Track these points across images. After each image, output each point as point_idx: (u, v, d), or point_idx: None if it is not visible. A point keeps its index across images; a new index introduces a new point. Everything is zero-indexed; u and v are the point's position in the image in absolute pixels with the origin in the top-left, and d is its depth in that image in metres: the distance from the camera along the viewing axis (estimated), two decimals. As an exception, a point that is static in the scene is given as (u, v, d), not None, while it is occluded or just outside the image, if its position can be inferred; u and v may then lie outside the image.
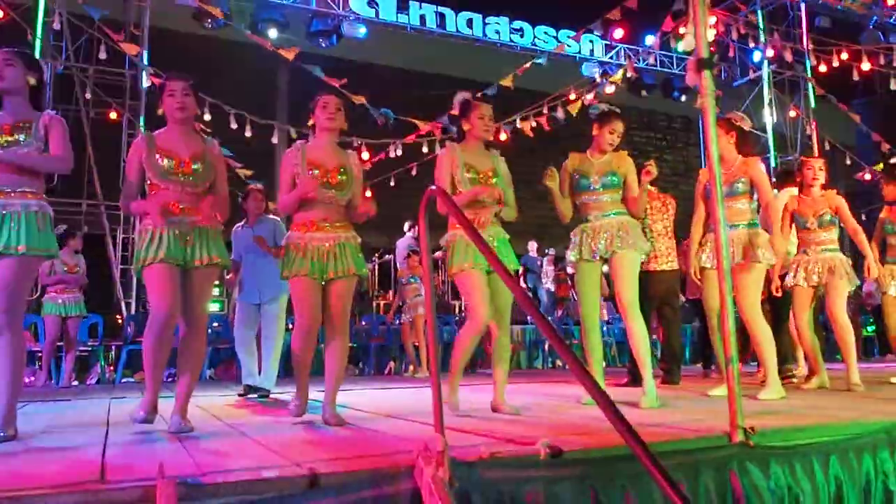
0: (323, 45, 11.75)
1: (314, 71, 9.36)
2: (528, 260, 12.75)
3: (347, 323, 3.61)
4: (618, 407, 1.50)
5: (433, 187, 2.38)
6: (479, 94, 9.77)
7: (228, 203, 3.49)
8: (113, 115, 10.36)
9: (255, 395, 5.32)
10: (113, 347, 9.34)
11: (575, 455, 2.34)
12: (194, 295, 3.31)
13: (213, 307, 10.89)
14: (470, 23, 13.30)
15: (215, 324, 10.11)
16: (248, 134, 9.79)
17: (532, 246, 12.82)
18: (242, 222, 5.72)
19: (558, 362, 11.36)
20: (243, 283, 5.52)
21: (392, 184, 11.27)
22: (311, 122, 3.64)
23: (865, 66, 11.33)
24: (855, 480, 2.61)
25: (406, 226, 10.80)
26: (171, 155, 3.29)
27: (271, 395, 5.35)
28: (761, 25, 13.18)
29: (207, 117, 8.86)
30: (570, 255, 4.23)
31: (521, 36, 13.72)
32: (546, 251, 12.96)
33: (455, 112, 3.96)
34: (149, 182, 3.31)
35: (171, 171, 3.27)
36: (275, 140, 10.29)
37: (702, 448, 2.48)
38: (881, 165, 12.44)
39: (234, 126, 9.66)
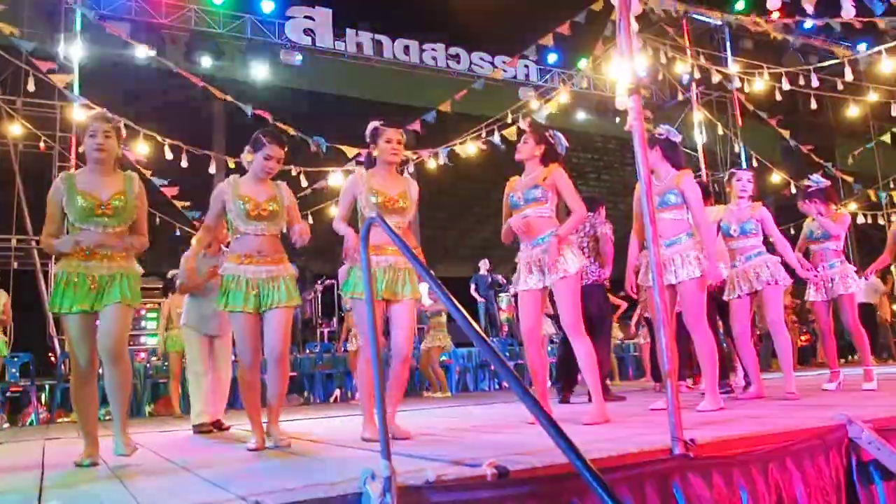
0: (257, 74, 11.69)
1: (245, 109, 9.32)
2: (479, 279, 12.72)
3: (287, 350, 3.67)
4: (559, 426, 1.53)
5: (372, 216, 2.40)
6: (418, 120, 9.87)
7: (146, 243, 3.48)
8: (43, 148, 10.08)
9: (210, 431, 5.17)
10: (46, 387, 9.01)
11: (521, 475, 2.36)
12: (108, 326, 3.26)
13: (151, 341, 10.63)
14: (407, 49, 13.43)
15: (154, 358, 9.88)
16: (184, 164, 9.64)
17: (483, 264, 12.81)
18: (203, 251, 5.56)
19: (504, 384, 11.42)
20: (194, 310, 5.38)
21: (332, 210, 11.24)
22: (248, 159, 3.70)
23: (786, 86, 11.81)
24: (794, 486, 2.69)
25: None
26: (90, 196, 3.26)
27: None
28: (687, 47, 13.65)
29: (144, 150, 8.71)
30: (513, 288, 4.35)
31: (458, 62, 13.91)
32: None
33: (367, 139, 3.97)
34: (69, 223, 3.29)
35: (92, 213, 3.25)
36: (212, 170, 10.16)
37: (644, 462, 2.54)
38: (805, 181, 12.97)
39: (169, 157, 9.52)
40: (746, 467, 2.69)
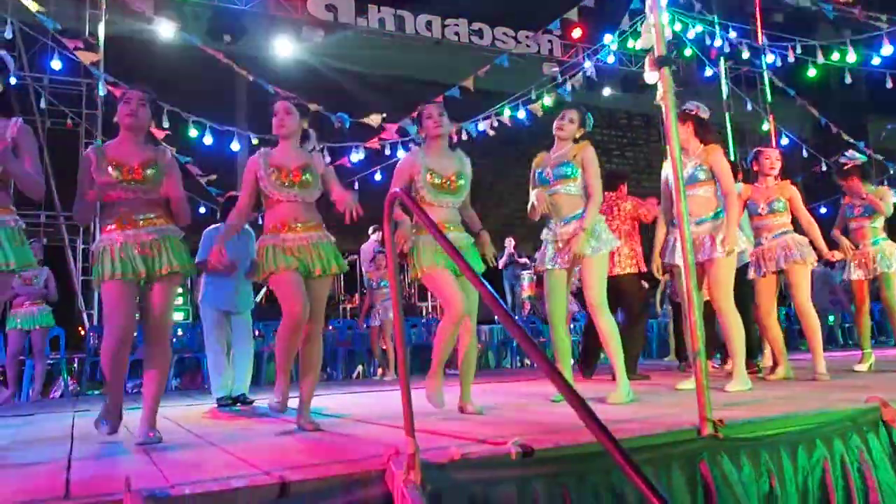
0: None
1: (266, 87, 9.26)
2: (505, 257, 12.67)
3: (322, 324, 3.62)
4: (588, 404, 1.50)
5: (396, 190, 2.37)
6: (441, 96, 9.79)
7: (188, 208, 3.45)
8: (69, 125, 10.15)
9: (235, 405, 5.23)
10: (76, 360, 9.15)
11: (546, 454, 2.34)
12: (156, 305, 3.27)
13: (178, 315, 10.73)
14: (429, 25, 13.28)
15: (179, 332, 9.97)
16: (207, 141, 9.66)
17: (510, 243, 12.74)
18: (219, 226, 5.58)
19: (527, 361, 11.40)
20: (213, 288, 5.41)
21: (356, 187, 11.22)
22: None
23: (820, 60, 11.55)
24: (823, 469, 2.65)
25: (371, 229, 10.77)
26: (120, 164, 3.25)
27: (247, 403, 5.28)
28: (717, 21, 13.37)
29: (166, 125, 8.72)
30: (540, 265, 4.28)
31: (481, 37, 13.75)
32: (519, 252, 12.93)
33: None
34: (102, 193, 3.26)
35: (121, 180, 3.23)
36: (235, 147, 10.16)
37: (672, 442, 2.50)
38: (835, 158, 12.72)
39: (193, 133, 9.53)
40: (775, 449, 2.65)
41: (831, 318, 11.98)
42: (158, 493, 1.85)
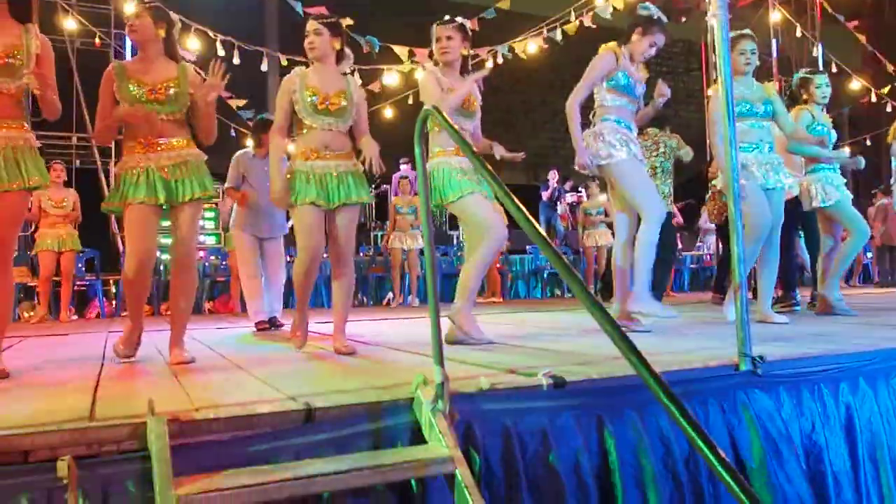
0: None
1: (296, 6, 8.97)
2: (549, 190, 12.39)
3: (353, 251, 3.58)
4: (628, 336, 1.42)
5: (428, 107, 2.25)
6: (475, 18, 9.46)
7: (215, 125, 3.35)
8: (97, 44, 10.03)
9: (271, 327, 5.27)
10: (111, 281, 9.30)
11: (579, 385, 2.28)
12: (181, 229, 3.22)
13: (210, 240, 10.81)
14: (465, -58, 12.78)
15: (212, 257, 10.06)
16: (236, 61, 9.47)
17: (553, 175, 12.45)
18: (251, 151, 5.50)
19: (557, 291, 11.36)
20: (245, 214, 5.37)
21: (387, 113, 11.04)
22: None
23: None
24: (866, 408, 2.56)
25: (402, 161, 10.64)
26: (141, 82, 3.15)
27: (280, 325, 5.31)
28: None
29: (195, 45, 8.57)
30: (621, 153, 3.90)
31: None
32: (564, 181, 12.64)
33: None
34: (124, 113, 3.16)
35: (144, 99, 3.13)
36: (264, 68, 9.97)
37: (710, 377, 2.43)
38: (888, 89, 12.19)
39: (221, 53, 9.35)
40: (816, 386, 2.56)
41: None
42: (182, 417, 1.82)
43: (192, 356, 3.20)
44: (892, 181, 5.56)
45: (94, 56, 10.13)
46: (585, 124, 3.99)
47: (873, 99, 12.31)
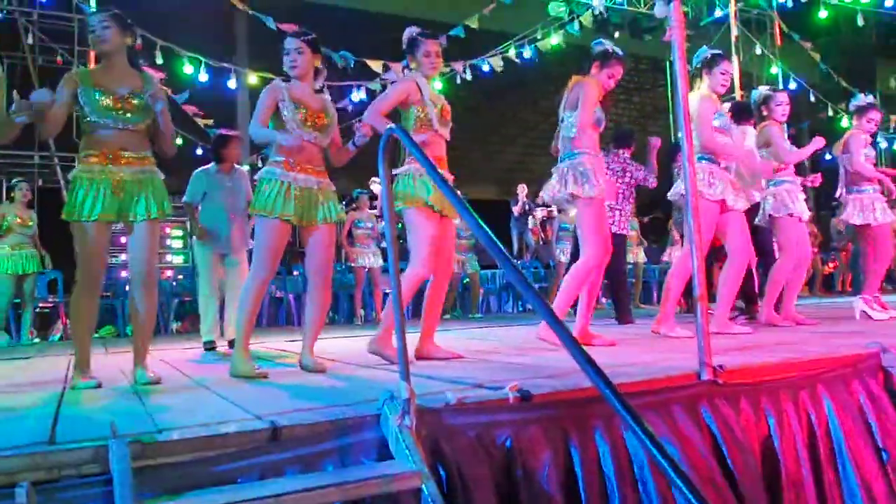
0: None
1: (266, 21, 8.95)
2: (519, 204, 12.43)
3: (329, 278, 3.50)
4: (585, 349, 1.44)
5: (393, 126, 2.27)
6: (444, 36, 9.53)
7: (173, 135, 3.35)
8: (60, 62, 9.89)
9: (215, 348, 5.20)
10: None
11: (545, 398, 2.30)
12: (138, 248, 3.19)
13: (177, 259, 10.69)
14: (432, -39, 12.90)
15: (180, 276, 9.96)
16: (203, 78, 9.40)
17: (522, 189, 12.46)
18: (215, 167, 5.42)
19: (528, 306, 11.41)
20: (207, 229, 5.30)
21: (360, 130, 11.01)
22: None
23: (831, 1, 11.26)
24: (824, 415, 2.61)
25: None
26: (107, 91, 3.11)
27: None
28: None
29: (160, 61, 8.50)
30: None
31: (486, -25, 13.35)
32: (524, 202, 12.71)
33: (404, 48, 3.80)
34: (86, 120, 3.11)
35: (111, 108, 3.10)
36: (233, 85, 9.91)
37: (671, 387, 2.46)
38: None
39: (188, 70, 9.26)
40: (776, 394, 2.61)
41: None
42: (145, 438, 1.81)
43: (158, 376, 3.17)
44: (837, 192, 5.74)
45: (55, 74, 9.99)
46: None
47: (830, 113, 12.63)
